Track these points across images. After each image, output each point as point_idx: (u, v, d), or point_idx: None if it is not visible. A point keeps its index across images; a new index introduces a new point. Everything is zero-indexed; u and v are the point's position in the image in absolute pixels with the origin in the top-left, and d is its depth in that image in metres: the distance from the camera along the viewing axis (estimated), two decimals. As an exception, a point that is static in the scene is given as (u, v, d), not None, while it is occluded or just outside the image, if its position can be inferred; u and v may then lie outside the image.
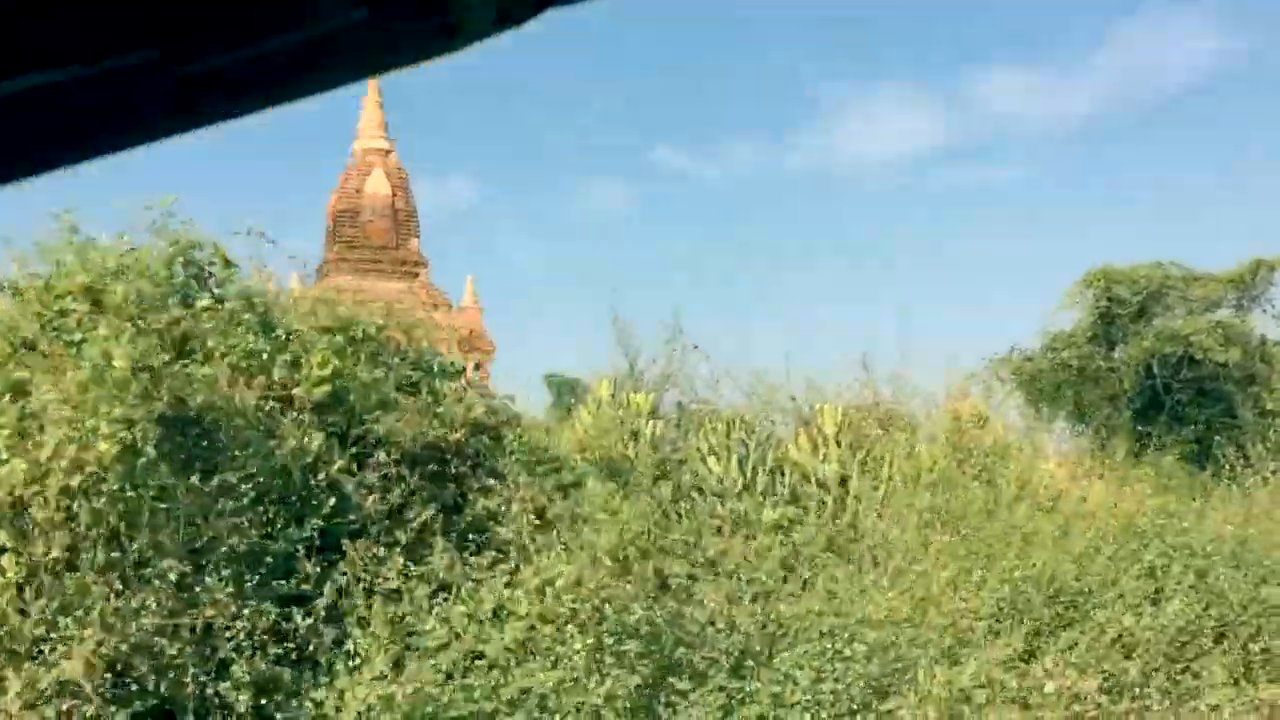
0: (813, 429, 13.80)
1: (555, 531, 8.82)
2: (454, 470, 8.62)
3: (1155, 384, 18.23)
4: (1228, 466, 17.61)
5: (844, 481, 13.83)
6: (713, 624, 8.08)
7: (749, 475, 13.69)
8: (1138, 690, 10.60)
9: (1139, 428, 19.71)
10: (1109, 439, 20.23)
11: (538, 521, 8.79)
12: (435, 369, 8.95)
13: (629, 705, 7.06)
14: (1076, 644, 10.43)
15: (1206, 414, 17.97)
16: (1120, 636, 10.51)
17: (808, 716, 7.29)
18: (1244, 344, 17.30)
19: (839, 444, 13.68)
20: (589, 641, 7.17)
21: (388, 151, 43.15)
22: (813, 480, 13.70)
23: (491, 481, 8.75)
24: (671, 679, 7.48)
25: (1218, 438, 17.85)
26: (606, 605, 7.37)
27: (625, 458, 13.89)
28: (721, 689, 7.52)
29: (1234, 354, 17.15)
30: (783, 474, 13.73)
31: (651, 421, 14.32)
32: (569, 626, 7.23)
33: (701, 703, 7.43)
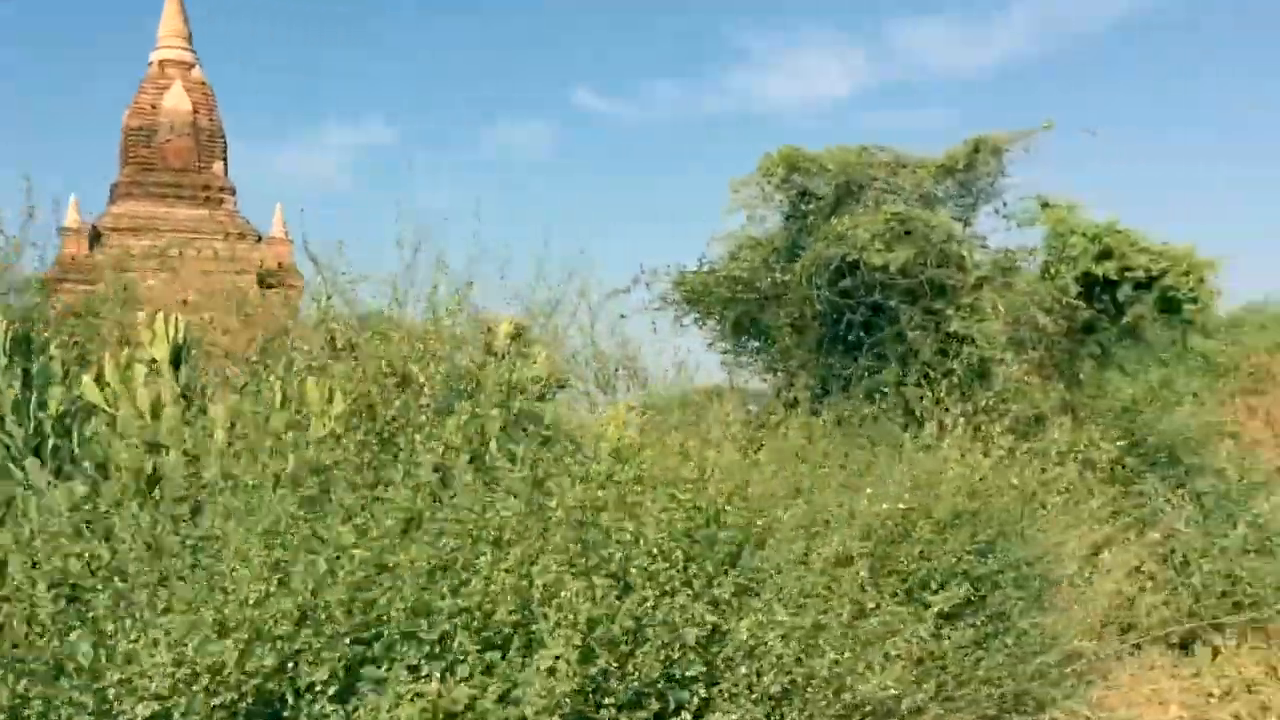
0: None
1: None
2: None
3: (817, 300, 13.34)
4: (903, 412, 12.89)
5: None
6: None
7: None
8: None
9: (823, 360, 14.90)
10: (795, 376, 15.41)
11: None
12: None
13: None
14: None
15: (875, 338, 13.14)
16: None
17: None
18: (920, 244, 12.43)
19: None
20: None
21: (190, 65, 36.57)
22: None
23: None
24: None
25: (887, 371, 13.17)
26: None
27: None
28: None
29: (900, 255, 12.26)
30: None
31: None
32: None
33: None
